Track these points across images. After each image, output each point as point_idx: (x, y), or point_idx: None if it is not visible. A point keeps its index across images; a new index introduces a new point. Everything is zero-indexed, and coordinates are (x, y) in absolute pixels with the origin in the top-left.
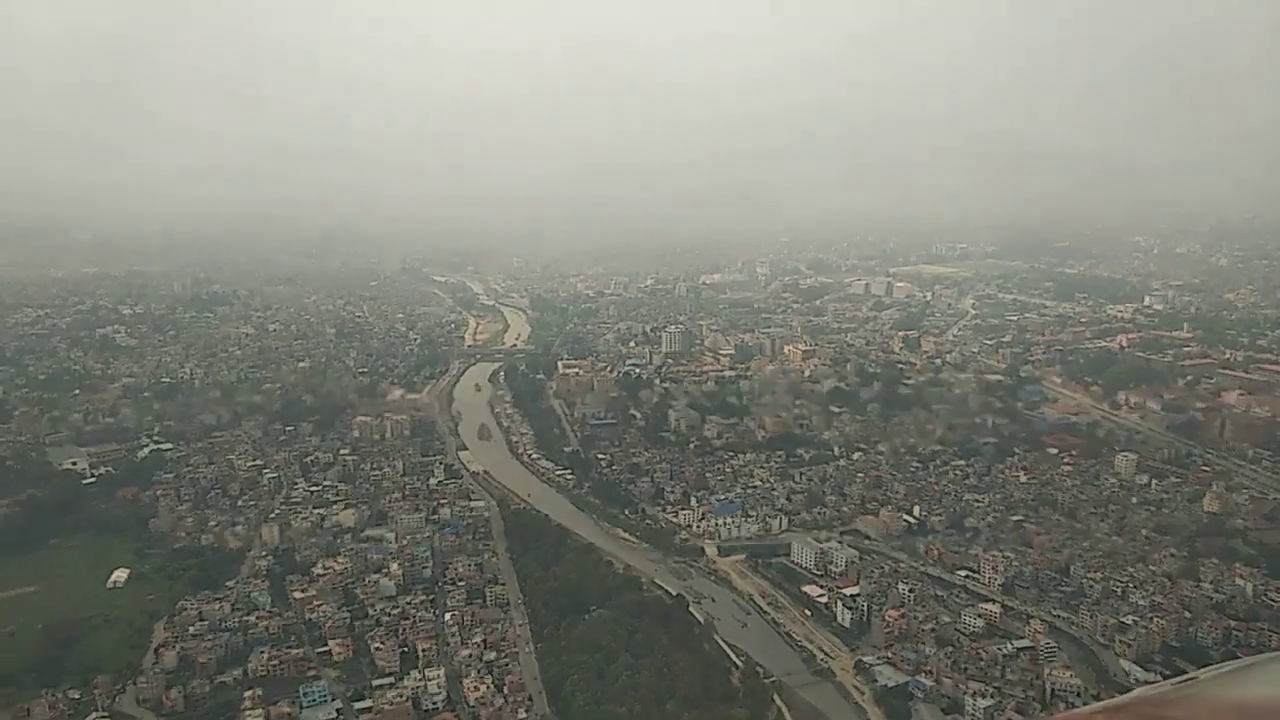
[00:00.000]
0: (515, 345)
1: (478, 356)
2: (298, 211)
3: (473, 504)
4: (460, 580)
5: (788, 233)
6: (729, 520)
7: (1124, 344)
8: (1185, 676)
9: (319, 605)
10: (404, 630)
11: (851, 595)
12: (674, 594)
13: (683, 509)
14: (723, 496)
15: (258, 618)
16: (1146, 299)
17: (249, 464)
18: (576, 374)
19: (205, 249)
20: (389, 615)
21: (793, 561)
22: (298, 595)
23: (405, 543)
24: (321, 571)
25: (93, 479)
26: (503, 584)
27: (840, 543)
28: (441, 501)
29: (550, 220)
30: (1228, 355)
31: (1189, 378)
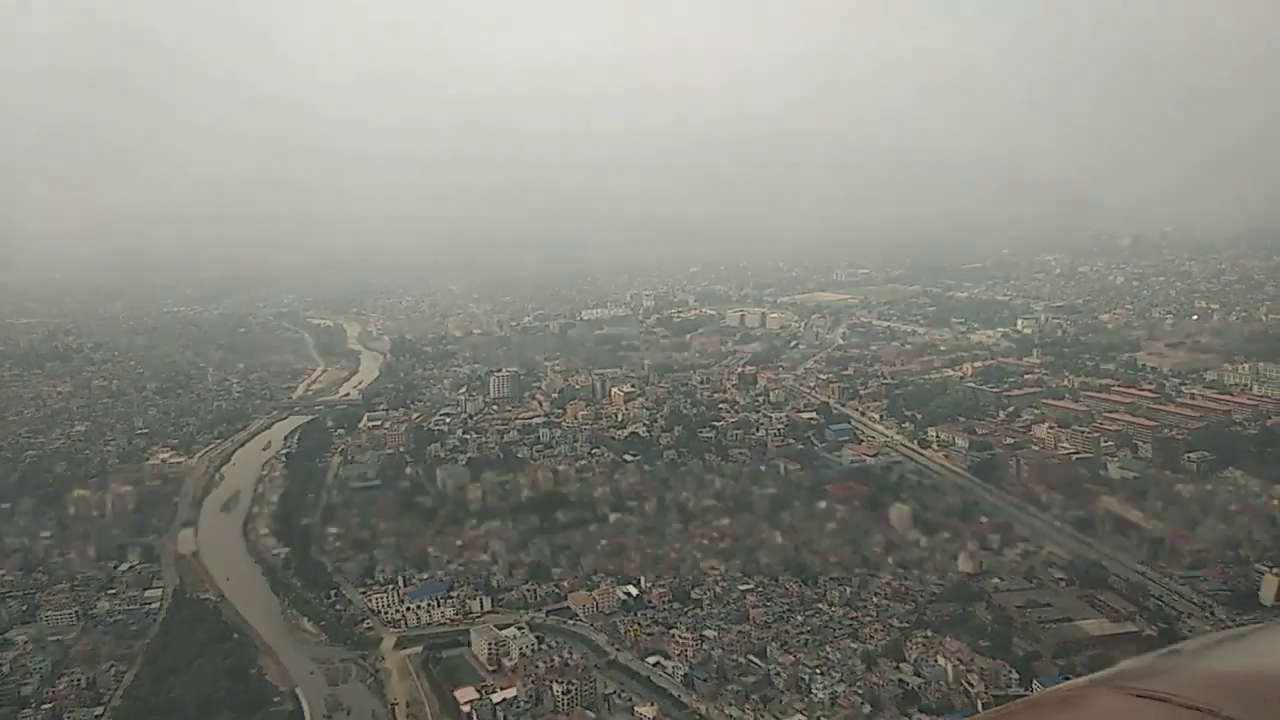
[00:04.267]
0: (346, 396)
1: (295, 410)
2: (213, 254)
3: (146, 595)
4: (52, 700)
5: (698, 261)
6: (424, 604)
7: (968, 373)
8: (1169, 648)
9: None
10: None
11: (498, 700)
12: (303, 706)
13: (383, 592)
14: (426, 576)
15: None
16: (1019, 322)
17: None
18: (375, 428)
19: (90, 299)
20: None
21: (473, 653)
22: None
23: (27, 650)
24: None
25: None
26: (103, 704)
27: (523, 629)
28: (110, 593)
29: (465, 253)
30: (1065, 382)
31: (1010, 409)
